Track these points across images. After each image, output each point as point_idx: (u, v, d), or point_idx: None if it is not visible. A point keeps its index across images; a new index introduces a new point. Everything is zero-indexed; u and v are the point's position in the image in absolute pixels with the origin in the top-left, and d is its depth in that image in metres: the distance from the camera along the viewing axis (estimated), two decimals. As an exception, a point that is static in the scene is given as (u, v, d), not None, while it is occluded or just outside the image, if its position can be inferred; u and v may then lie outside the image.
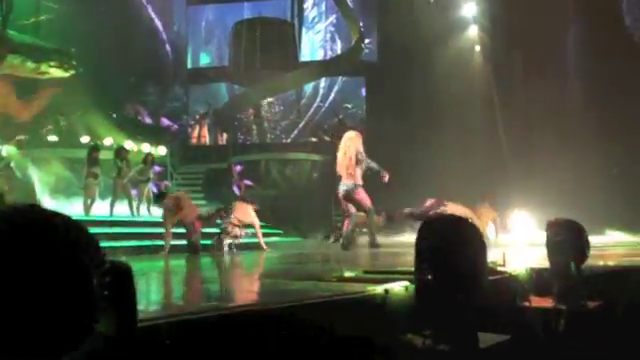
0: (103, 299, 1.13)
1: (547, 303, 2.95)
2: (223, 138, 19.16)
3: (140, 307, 1.31)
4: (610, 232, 8.18)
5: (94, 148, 11.02)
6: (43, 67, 13.26)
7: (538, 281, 3.19)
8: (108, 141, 13.88)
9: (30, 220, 1.06)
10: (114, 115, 17.09)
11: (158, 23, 21.04)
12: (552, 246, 2.98)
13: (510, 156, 11.65)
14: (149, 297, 2.46)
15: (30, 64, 13.02)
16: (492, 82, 13.40)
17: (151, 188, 11.24)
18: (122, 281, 1.20)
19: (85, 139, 14.42)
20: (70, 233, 1.10)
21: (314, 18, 22.21)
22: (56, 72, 13.47)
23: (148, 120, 20.08)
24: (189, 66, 21.99)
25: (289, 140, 20.78)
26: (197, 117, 20.13)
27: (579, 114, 11.15)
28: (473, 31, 14.55)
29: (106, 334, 1.20)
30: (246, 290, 3.47)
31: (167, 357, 1.54)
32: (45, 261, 1.03)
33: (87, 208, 10.15)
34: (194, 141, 19.60)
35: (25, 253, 1.01)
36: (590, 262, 3.11)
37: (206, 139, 19.20)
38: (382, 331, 2.27)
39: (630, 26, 12.58)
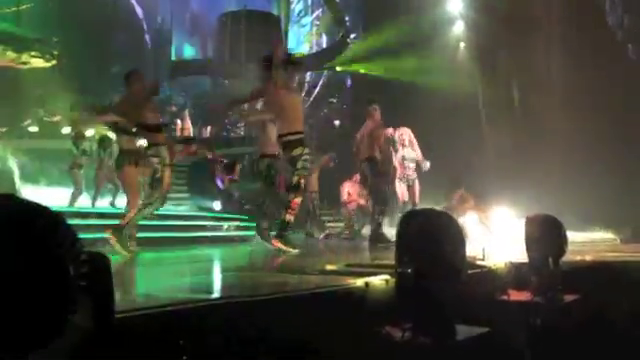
0: (79, 290, 1.12)
1: (525, 297, 2.99)
2: (207, 131, 19.06)
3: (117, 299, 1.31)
4: (590, 229, 8.30)
5: (79, 136, 10.89)
6: (24, 57, 13.07)
7: (517, 275, 3.24)
8: (90, 132, 13.71)
9: (5, 209, 1.05)
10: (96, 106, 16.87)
11: (141, 14, 20.82)
12: (530, 241, 3.03)
13: (493, 151, 11.75)
14: (128, 289, 2.45)
15: (11, 53, 12.83)
16: (477, 78, 13.49)
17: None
18: (99, 272, 1.20)
19: (66, 130, 14.24)
20: (46, 223, 1.09)
21: (300, 12, 22.14)
22: (37, 62, 13.29)
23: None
24: (173, 58, 21.79)
25: (274, 134, 20.74)
26: (173, 110, 19.95)
27: (564, 111, 11.26)
28: (459, 27, 14.63)
29: (83, 326, 1.19)
30: (227, 282, 3.46)
31: (144, 349, 1.54)
32: (20, 251, 1.03)
33: (74, 199, 10.06)
34: (178, 133, 19.47)
35: (1, 239, 1.00)
36: (568, 257, 3.16)
37: (189, 131, 19.09)
38: (362, 324, 2.29)
39: (613, 25, 12.73)
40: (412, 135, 8.04)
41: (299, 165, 5.24)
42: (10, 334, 1.05)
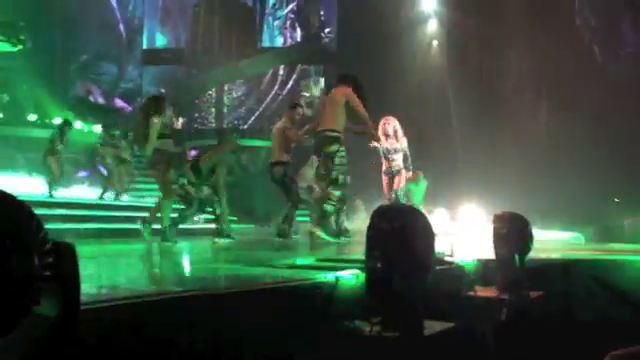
0: (44, 279, 1.09)
1: (492, 293, 3.05)
2: (179, 122, 18.81)
3: (85, 289, 1.28)
4: (555, 227, 8.48)
5: (67, 124, 10.70)
6: (-11, 40, 12.68)
7: (484, 271, 3.29)
8: (57, 120, 13.43)
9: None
10: (63, 94, 16.54)
11: (113, 1, 20.41)
12: (497, 238, 3.08)
13: (462, 149, 11.89)
14: (97, 280, 2.41)
15: (-24, 37, 12.43)
16: (447, 76, 13.62)
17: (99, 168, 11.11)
18: (65, 262, 1.17)
19: (32, 117, 13.88)
20: (10, 210, 1.06)
21: (274, 4, 22.00)
22: (3, 46, 12.90)
23: (100, 100, 19.49)
24: (144, 46, 21.44)
25: (246, 127, 20.61)
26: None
27: (533, 109, 11.47)
28: (432, 25, 14.74)
29: (48, 315, 1.17)
30: (196, 275, 3.43)
31: (110, 340, 1.51)
32: (-18, 239, 0.99)
33: (51, 187, 9.85)
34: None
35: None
36: (533, 254, 3.22)
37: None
38: (331, 318, 2.30)
39: (580, 26, 12.99)
40: (398, 125, 7.57)
41: (337, 161, 5.78)
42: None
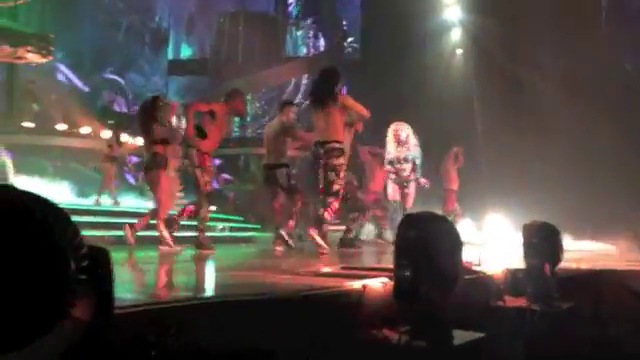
0: (79, 283, 1.10)
1: (521, 303, 2.99)
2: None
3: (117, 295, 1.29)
4: (586, 237, 8.30)
5: (119, 128, 10.86)
6: (20, 52, 12.99)
7: (513, 281, 3.23)
8: (85, 130, 13.68)
9: (4, 199, 1.03)
10: (91, 103, 16.87)
11: (139, 12, 20.79)
12: (528, 248, 3.03)
13: (487, 158, 11.76)
14: (129, 286, 2.43)
15: (7, 48, 12.74)
16: (472, 84, 13.52)
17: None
18: (100, 266, 1.18)
19: (61, 126, 14.17)
20: (46, 214, 1.07)
21: (298, 14, 22.15)
22: (33, 57, 13.21)
23: (125, 110, 19.83)
24: (170, 57, 21.76)
25: (269, 135, 20.72)
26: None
27: (560, 117, 11.28)
28: (456, 33, 14.67)
29: (82, 320, 1.18)
30: (222, 282, 3.44)
31: (143, 345, 1.52)
32: (19, 242, 1.01)
33: (103, 193, 9.94)
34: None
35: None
36: (564, 264, 3.16)
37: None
38: (359, 327, 2.28)
39: (608, 31, 12.79)
40: (411, 132, 7.14)
41: (340, 174, 5.61)
42: (7, 327, 1.03)
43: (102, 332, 1.22)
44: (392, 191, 7.27)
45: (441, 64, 14.34)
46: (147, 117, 5.69)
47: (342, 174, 5.61)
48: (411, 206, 7.15)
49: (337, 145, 5.61)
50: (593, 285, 3.57)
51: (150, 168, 5.67)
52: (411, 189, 7.16)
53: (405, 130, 7.07)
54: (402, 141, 7.05)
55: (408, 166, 7.08)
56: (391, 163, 7.18)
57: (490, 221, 8.84)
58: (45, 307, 1.05)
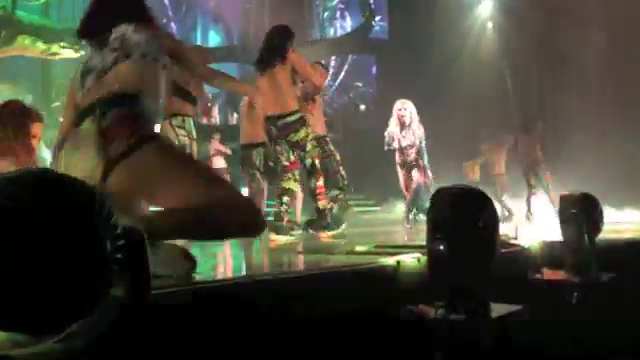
0: (116, 262, 1.13)
1: (560, 276, 2.94)
2: (234, 118, 19.15)
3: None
4: (628, 206, 8.07)
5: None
6: (54, 48, 13.28)
7: (551, 254, 3.18)
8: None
9: (44, 181, 1.06)
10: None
11: (166, 1, 20.94)
12: (565, 219, 2.97)
13: (521, 133, 11.51)
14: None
15: (40, 45, 13.04)
16: (504, 59, 13.21)
17: None
18: (135, 246, 1.20)
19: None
20: (84, 196, 1.10)
21: (324, -5, 21.98)
22: (67, 53, 13.48)
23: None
24: (198, 44, 21.89)
25: (299, 119, 20.73)
26: (210, 96, 20.08)
27: (604, 85, 10.93)
28: (486, 7, 14.34)
29: (120, 299, 1.20)
30: (255, 262, 3.48)
31: (179, 324, 1.55)
32: (58, 223, 1.03)
33: None
34: (205, 120, 19.61)
35: (40, 213, 1.01)
36: (604, 235, 3.09)
37: (216, 119, 19.20)
38: (393, 302, 2.28)
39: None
40: (414, 111, 6.42)
41: (308, 147, 4.65)
42: (48, 306, 1.06)
43: (138, 311, 1.25)
44: (402, 180, 6.61)
45: (471, 39, 14.06)
46: None
47: (310, 146, 4.65)
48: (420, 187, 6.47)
49: (293, 117, 4.64)
50: (635, 255, 3.49)
51: None
52: (415, 173, 6.47)
53: (409, 109, 6.41)
54: (406, 125, 6.36)
55: (413, 151, 6.44)
56: (398, 147, 6.46)
57: (526, 195, 8.67)
58: (86, 287, 1.07)
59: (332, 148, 5.74)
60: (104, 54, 2.24)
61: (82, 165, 1.95)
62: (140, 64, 2.18)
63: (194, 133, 4.62)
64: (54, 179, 1.11)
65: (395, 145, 6.48)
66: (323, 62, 6.31)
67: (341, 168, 5.66)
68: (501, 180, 8.92)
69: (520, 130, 9.02)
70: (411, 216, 6.55)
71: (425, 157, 6.53)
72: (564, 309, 2.72)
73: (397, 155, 6.55)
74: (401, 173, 6.62)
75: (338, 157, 5.76)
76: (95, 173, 1.93)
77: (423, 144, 6.47)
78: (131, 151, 1.97)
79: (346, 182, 5.69)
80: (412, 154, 6.46)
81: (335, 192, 5.54)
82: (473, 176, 9.20)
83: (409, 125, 6.37)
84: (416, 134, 6.41)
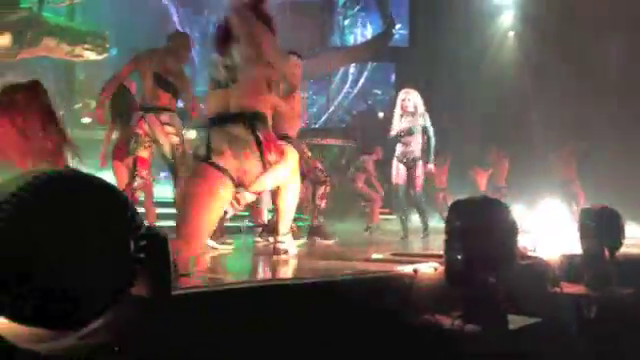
0: (139, 262, 1.14)
1: (578, 289, 2.91)
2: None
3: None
4: None
5: None
6: (78, 50, 13.46)
7: (570, 267, 3.14)
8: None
9: (70, 181, 1.07)
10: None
11: (189, 9, 21.18)
12: (585, 232, 2.93)
13: (541, 146, 11.41)
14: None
15: (65, 46, 13.22)
16: (525, 69, 13.11)
17: None
18: (158, 246, 1.22)
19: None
20: (108, 197, 1.11)
21: (345, 3, 22.02)
22: (90, 55, 13.68)
23: (180, 104, 20.28)
24: (220, 50, 22.08)
25: (317, 125, 20.76)
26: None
27: (625, 99, 10.78)
28: (508, 17, 14.26)
29: (141, 298, 1.22)
30: (273, 267, 3.48)
31: (198, 325, 1.57)
32: (83, 221, 1.05)
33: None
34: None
35: (65, 212, 1.03)
36: (624, 250, 3.05)
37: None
38: (410, 311, 2.27)
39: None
40: (420, 100, 6.10)
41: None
42: (72, 302, 1.08)
43: (160, 310, 1.26)
44: (396, 172, 6.17)
45: (492, 49, 13.99)
46: None
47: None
48: (420, 190, 6.14)
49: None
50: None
51: None
52: (419, 168, 6.07)
53: (412, 97, 6.08)
54: (408, 112, 6.04)
55: (415, 139, 6.05)
56: (397, 137, 6.12)
57: (545, 207, 8.58)
58: (107, 286, 1.09)
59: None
60: None
61: None
62: None
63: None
64: (81, 178, 1.13)
65: (393, 133, 6.18)
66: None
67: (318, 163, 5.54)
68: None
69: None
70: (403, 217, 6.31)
71: (432, 153, 6.13)
72: (582, 322, 2.69)
73: (398, 147, 6.18)
74: (395, 166, 6.20)
75: (309, 153, 5.70)
76: None
77: (431, 134, 6.08)
78: None
79: (327, 175, 5.54)
80: (413, 144, 6.09)
81: (320, 190, 5.44)
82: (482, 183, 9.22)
83: (413, 112, 6.06)
84: (419, 121, 6.06)
